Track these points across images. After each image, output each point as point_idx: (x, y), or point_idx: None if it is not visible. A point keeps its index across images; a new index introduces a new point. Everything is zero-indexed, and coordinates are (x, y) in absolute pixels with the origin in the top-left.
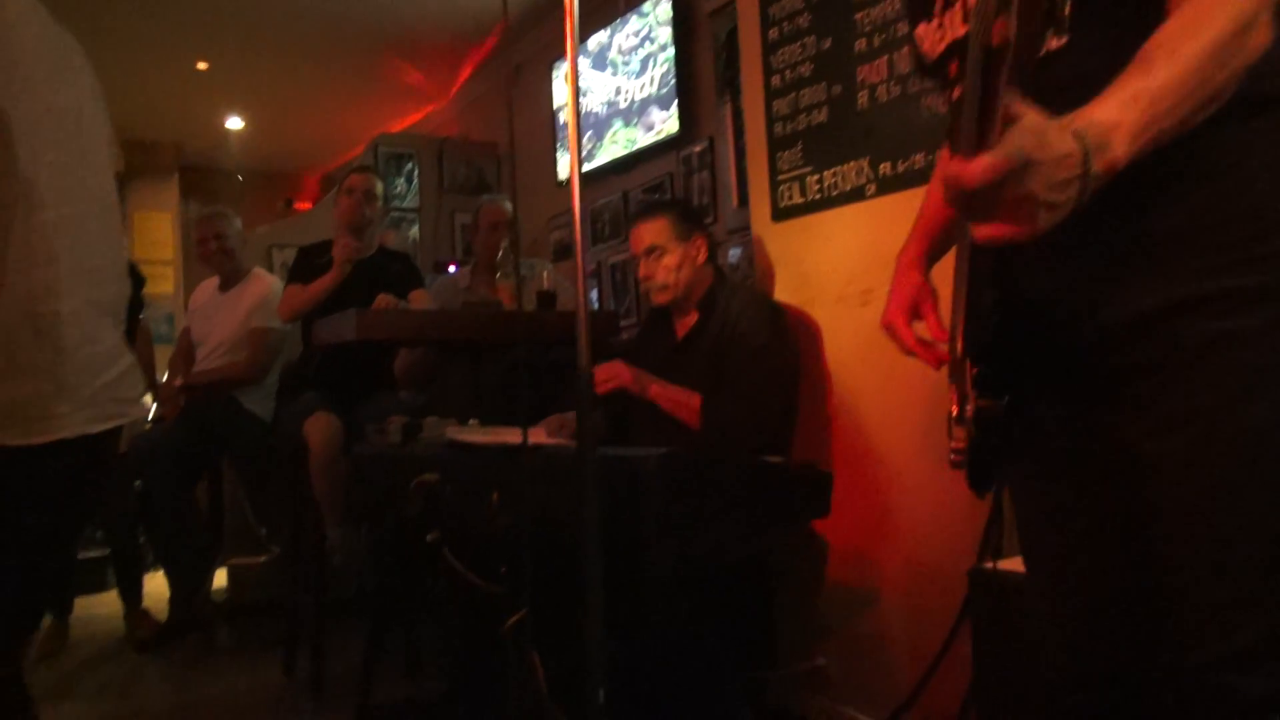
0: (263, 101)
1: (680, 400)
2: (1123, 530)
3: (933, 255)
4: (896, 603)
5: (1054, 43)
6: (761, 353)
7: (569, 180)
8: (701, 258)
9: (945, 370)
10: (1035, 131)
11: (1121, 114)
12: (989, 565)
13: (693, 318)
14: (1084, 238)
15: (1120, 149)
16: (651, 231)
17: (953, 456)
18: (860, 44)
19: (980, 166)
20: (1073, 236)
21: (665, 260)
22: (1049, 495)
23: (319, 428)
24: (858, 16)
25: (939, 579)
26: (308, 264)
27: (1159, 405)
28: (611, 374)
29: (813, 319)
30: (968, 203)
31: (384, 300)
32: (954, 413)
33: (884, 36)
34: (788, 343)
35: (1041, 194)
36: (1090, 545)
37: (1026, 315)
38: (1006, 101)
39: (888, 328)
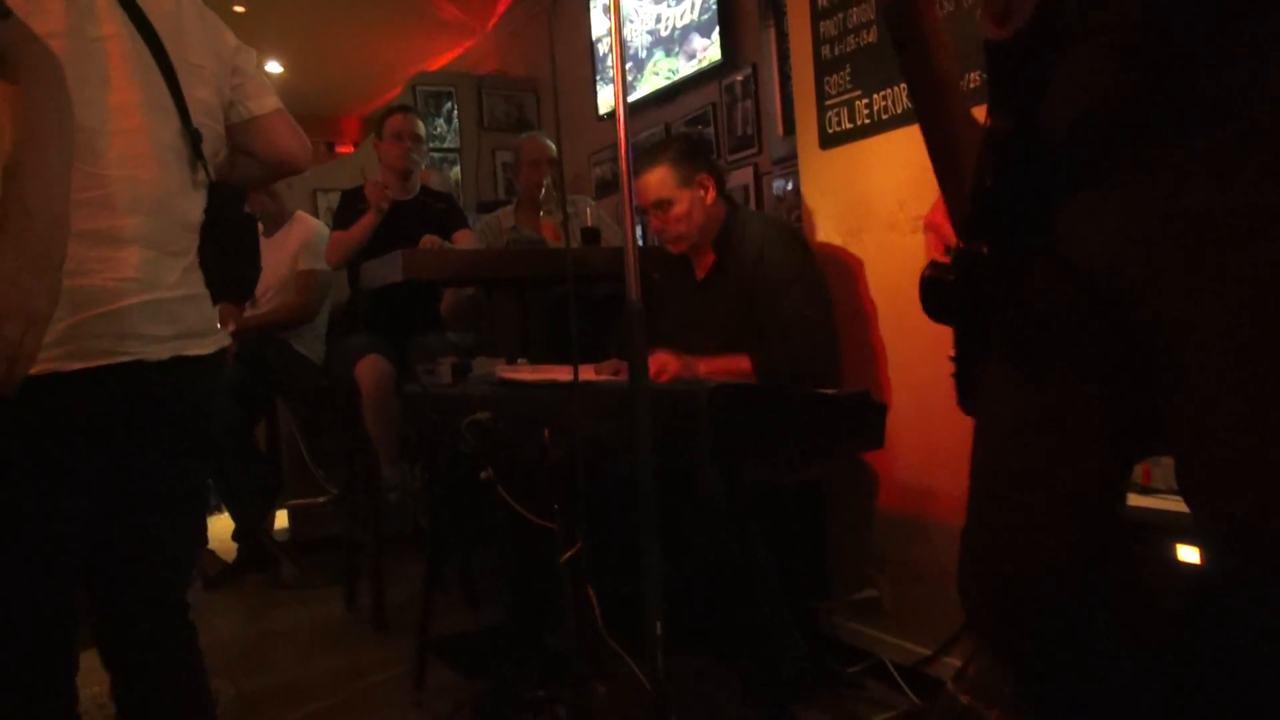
0: (300, 44)
1: (732, 369)
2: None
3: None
4: (949, 533)
5: None
6: (795, 284)
7: (610, 114)
8: (710, 196)
9: None
10: None
11: None
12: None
13: (710, 257)
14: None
15: None
16: (654, 184)
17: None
18: None
19: None
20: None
21: (674, 210)
22: (1030, 357)
23: (370, 370)
24: None
25: None
26: (351, 208)
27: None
28: (660, 365)
29: (859, 249)
30: None
31: (428, 241)
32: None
33: None
34: (816, 267)
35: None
36: (1077, 414)
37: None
38: None
39: (928, 226)
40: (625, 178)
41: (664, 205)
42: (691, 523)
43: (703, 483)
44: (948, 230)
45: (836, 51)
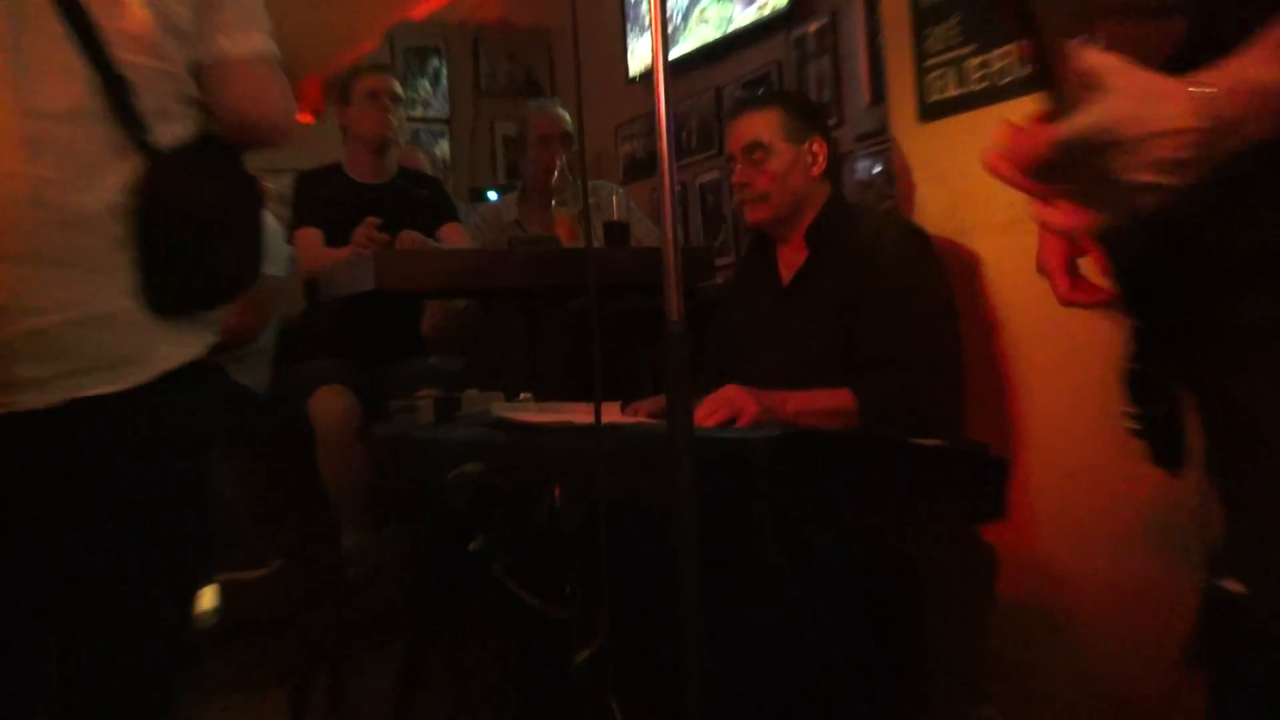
0: None
1: (832, 407)
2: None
3: None
4: (1094, 633)
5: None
6: (916, 297)
7: (644, 75)
8: (818, 168)
9: None
10: (1128, 94)
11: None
12: (1231, 584)
13: (802, 252)
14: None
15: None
16: (757, 124)
17: (1128, 425)
18: None
19: (1039, 141)
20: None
21: (770, 164)
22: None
23: (329, 404)
24: None
25: (1153, 601)
26: (311, 196)
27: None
28: (731, 407)
29: (970, 252)
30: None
31: (408, 239)
32: (1124, 367)
33: None
34: (945, 280)
35: (1133, 174)
36: None
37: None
38: (1088, 57)
39: (1042, 271)
40: (665, 157)
41: (760, 152)
42: (746, 611)
43: (761, 558)
44: (1060, 278)
45: None
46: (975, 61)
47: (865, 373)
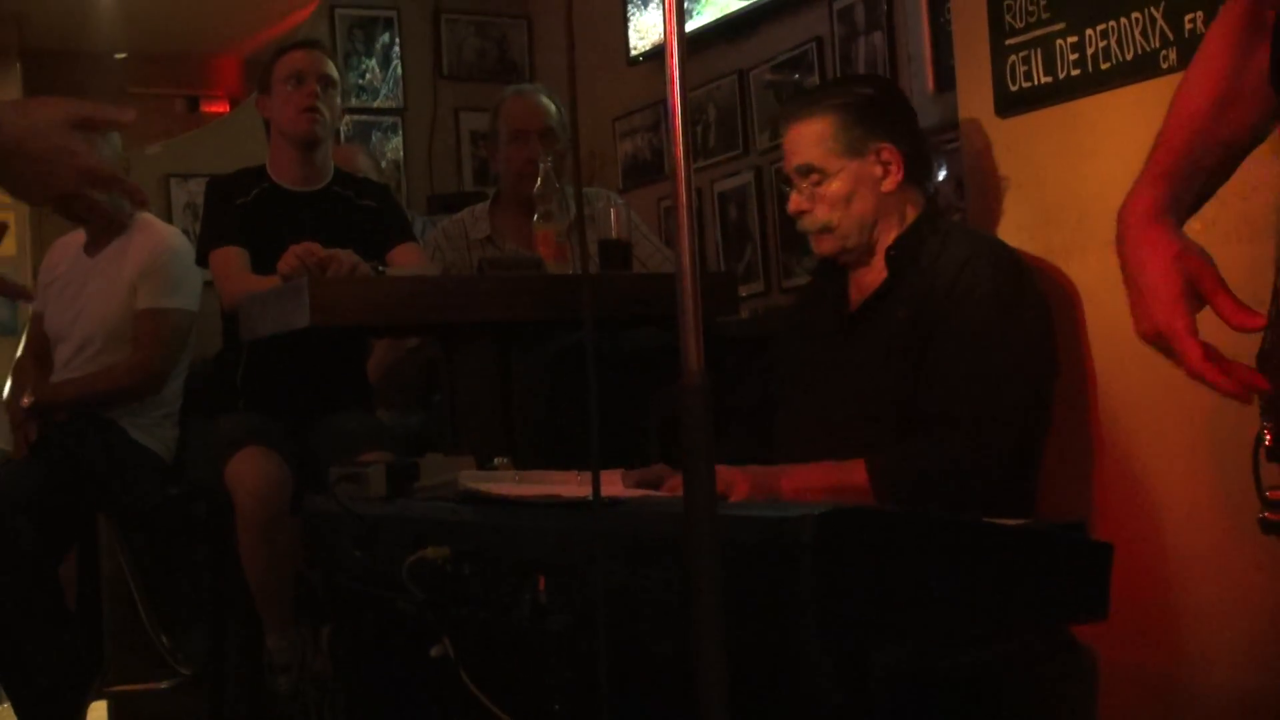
0: None
1: (836, 484)
2: None
3: (1181, 200)
4: None
5: None
6: (994, 341)
7: (649, 55)
8: (891, 180)
9: None
10: None
11: None
12: None
13: (879, 275)
14: None
15: None
16: (805, 141)
17: (1266, 515)
18: None
19: None
20: None
21: (826, 188)
22: None
23: (251, 471)
24: None
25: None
26: (226, 207)
27: None
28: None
29: (1069, 281)
30: None
31: (345, 261)
32: (1268, 442)
33: None
34: (1043, 325)
35: None
36: None
37: None
38: None
39: (1157, 337)
40: (680, 157)
41: (812, 175)
42: None
43: (807, 671)
44: (1191, 345)
45: None
46: (1068, 42)
47: (899, 435)
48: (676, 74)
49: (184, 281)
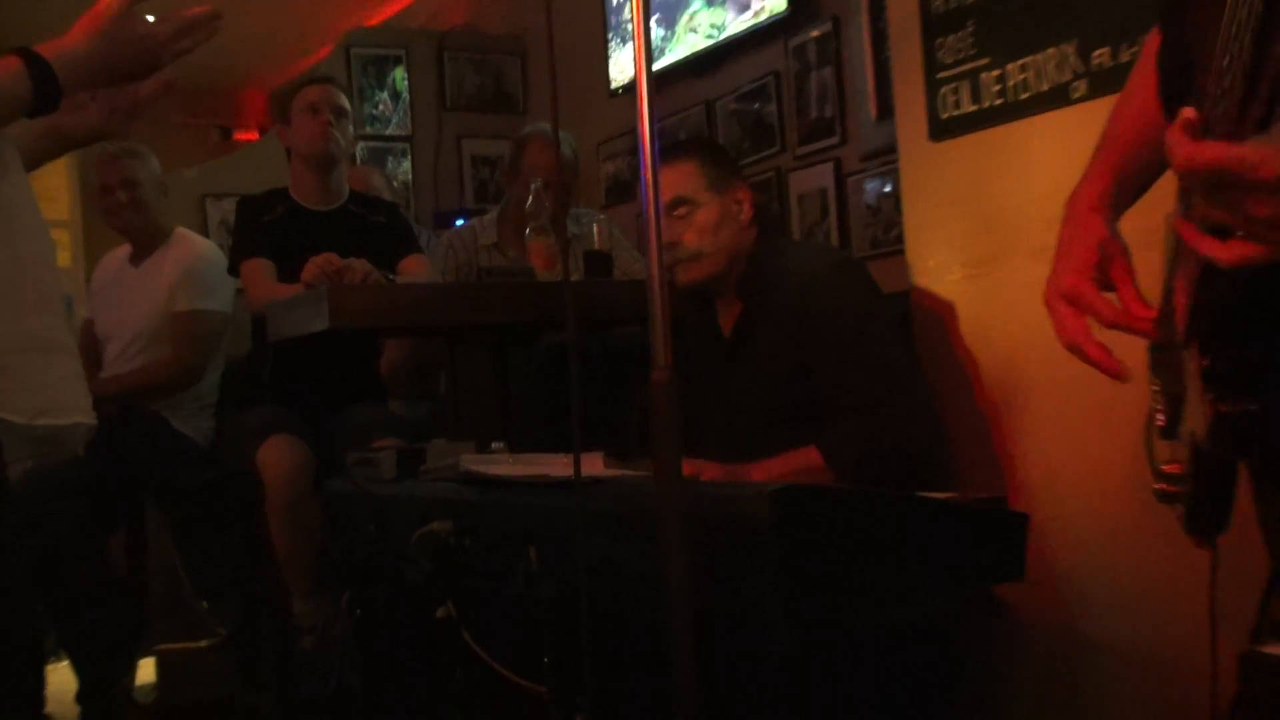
0: None
1: (798, 468)
2: None
3: (1123, 198)
4: (1119, 702)
5: None
6: (863, 334)
7: (627, 88)
8: (746, 215)
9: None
10: None
11: None
12: (1273, 649)
13: (737, 305)
14: None
15: None
16: (677, 177)
17: (1159, 486)
18: None
19: (1226, 156)
20: None
21: (698, 217)
22: None
23: (279, 457)
24: None
25: (1185, 668)
26: (255, 223)
27: None
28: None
29: (966, 285)
30: (1204, 196)
31: (358, 268)
32: (1159, 422)
33: None
34: (886, 309)
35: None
36: None
37: None
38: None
39: (1055, 305)
40: (648, 176)
41: (682, 208)
42: (748, 690)
43: (766, 628)
44: (1071, 320)
45: (954, 3)
46: (992, 75)
47: (827, 426)
48: (645, 103)
49: (217, 287)
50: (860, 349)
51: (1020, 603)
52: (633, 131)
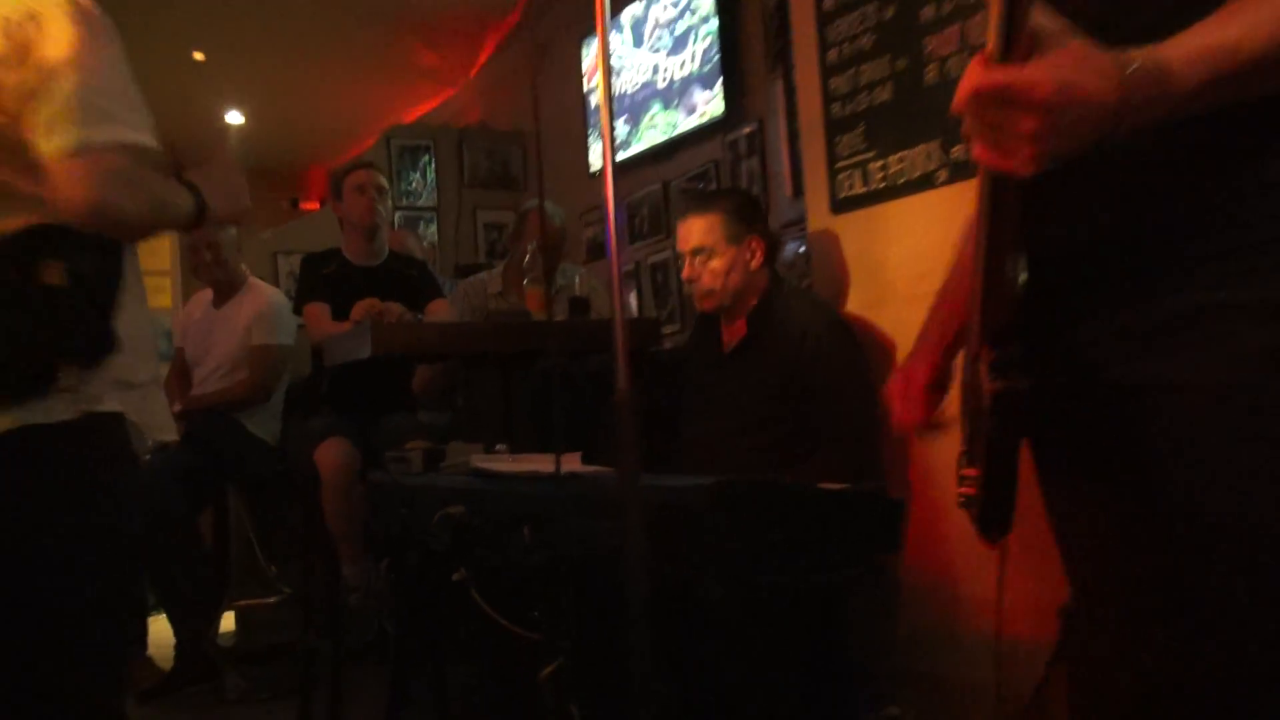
0: (264, 92)
1: None
2: (1155, 518)
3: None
4: (980, 647)
5: None
6: (848, 383)
7: (602, 172)
8: (756, 262)
9: None
10: (1071, 58)
11: (1184, 59)
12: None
13: (742, 328)
14: (1134, 196)
15: (1173, 93)
16: (700, 229)
17: (960, 491)
18: (927, 11)
19: (1013, 77)
20: (1123, 191)
21: (713, 263)
22: (1079, 488)
23: (331, 454)
24: None
25: (1030, 618)
26: (315, 275)
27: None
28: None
29: (877, 326)
30: (972, 112)
31: (394, 310)
32: (963, 450)
33: (954, 2)
34: (865, 360)
35: (1052, 131)
36: (1126, 540)
37: (1061, 281)
38: (1038, 15)
39: (899, 394)
40: (612, 243)
41: (703, 254)
42: (689, 635)
43: (703, 589)
44: (910, 409)
45: (848, 109)
46: (877, 165)
47: (807, 446)
48: (611, 191)
49: (283, 326)
50: (847, 394)
51: (908, 570)
52: (616, 203)
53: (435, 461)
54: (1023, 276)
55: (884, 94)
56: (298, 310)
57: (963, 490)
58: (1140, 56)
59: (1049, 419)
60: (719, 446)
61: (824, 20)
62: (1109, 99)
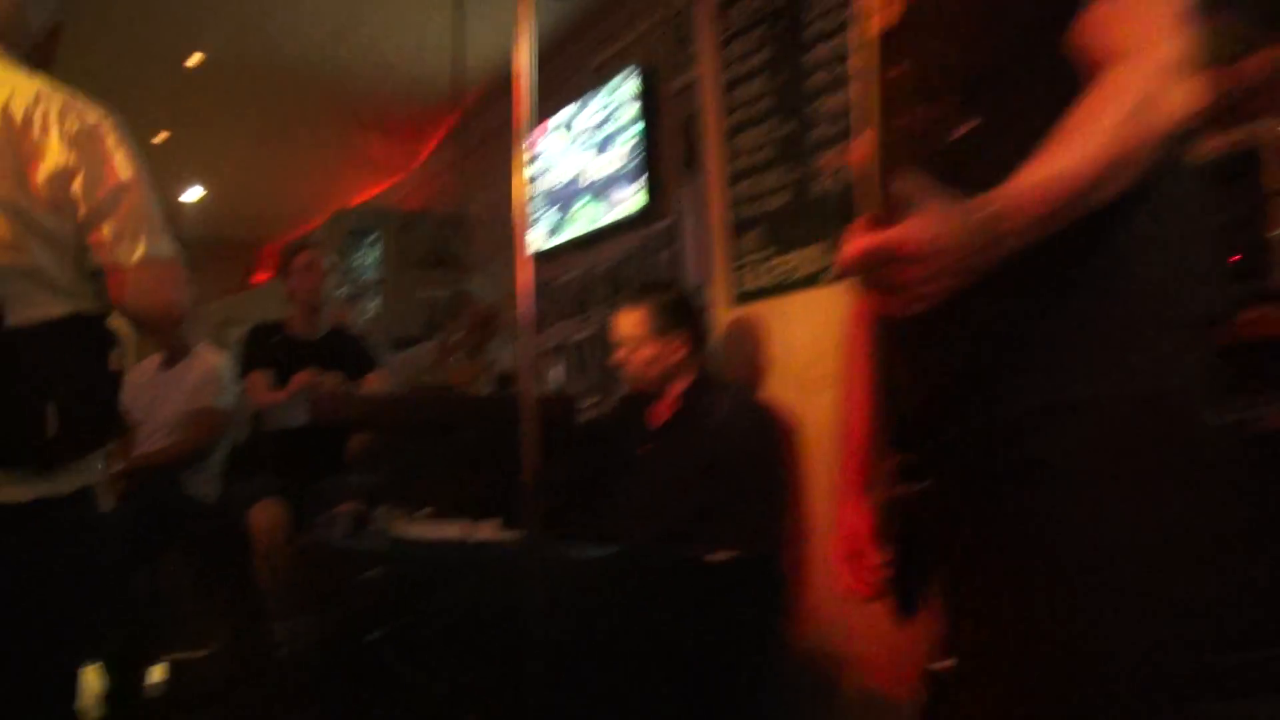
0: (221, 172)
1: None
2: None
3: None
4: (858, 708)
5: (965, 126)
6: (768, 463)
7: (540, 253)
8: (678, 357)
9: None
10: (933, 215)
11: (1019, 198)
12: (940, 667)
13: (667, 408)
14: (981, 321)
15: (1011, 234)
16: (630, 321)
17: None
18: (819, 131)
19: (880, 240)
20: (973, 318)
21: (641, 353)
22: (964, 588)
23: (265, 516)
24: (815, 105)
25: (904, 681)
26: (261, 345)
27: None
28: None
29: (777, 406)
30: (860, 268)
31: (332, 382)
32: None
33: (842, 124)
34: (781, 440)
35: (926, 276)
36: (1004, 642)
37: (934, 398)
38: (900, 183)
39: (846, 559)
40: (523, 327)
41: (632, 344)
42: (581, 700)
43: (592, 652)
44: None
45: (749, 213)
46: (774, 261)
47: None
48: (527, 275)
49: (225, 390)
50: (765, 473)
51: (800, 579)
52: (542, 284)
53: (361, 525)
54: (908, 398)
55: (783, 199)
56: (242, 376)
57: (873, 573)
58: (982, 203)
59: (936, 511)
60: (642, 513)
61: (730, 133)
62: (966, 244)
